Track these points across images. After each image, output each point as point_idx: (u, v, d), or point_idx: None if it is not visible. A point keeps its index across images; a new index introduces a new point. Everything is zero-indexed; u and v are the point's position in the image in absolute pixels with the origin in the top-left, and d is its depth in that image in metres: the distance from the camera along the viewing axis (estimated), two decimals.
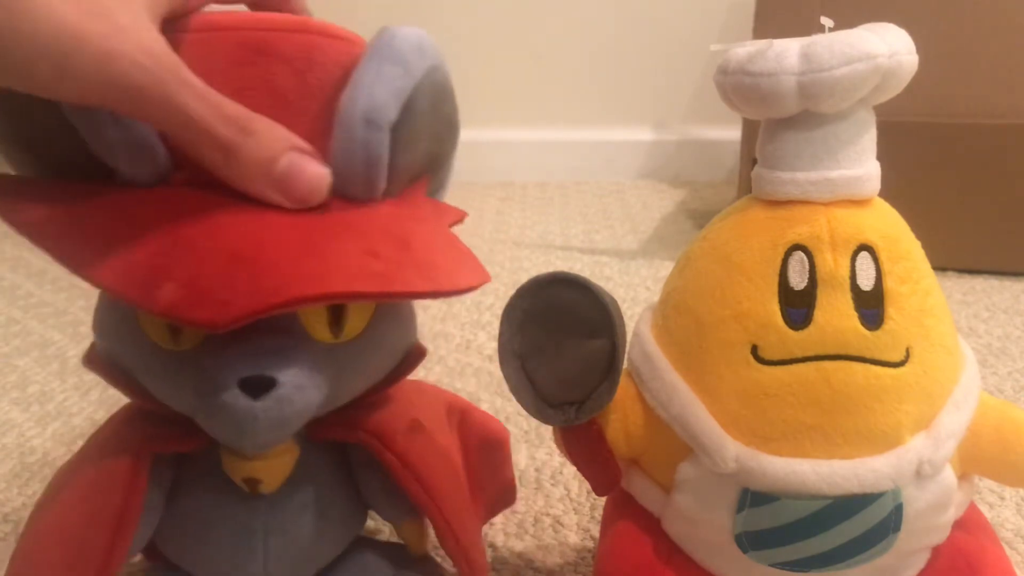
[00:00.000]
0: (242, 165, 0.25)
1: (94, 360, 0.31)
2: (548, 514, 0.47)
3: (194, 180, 0.27)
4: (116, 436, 0.32)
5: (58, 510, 0.31)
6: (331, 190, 0.28)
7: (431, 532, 0.35)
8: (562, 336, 0.30)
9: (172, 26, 0.27)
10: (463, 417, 0.40)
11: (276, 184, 0.26)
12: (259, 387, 0.27)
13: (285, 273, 0.25)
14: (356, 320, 0.30)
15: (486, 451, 0.40)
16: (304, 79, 0.28)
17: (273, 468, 0.31)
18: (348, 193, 0.28)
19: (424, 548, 0.37)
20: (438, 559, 0.39)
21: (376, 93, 0.27)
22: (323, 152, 0.27)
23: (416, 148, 0.29)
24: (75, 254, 0.25)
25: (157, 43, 0.24)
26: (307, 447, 0.32)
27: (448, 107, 0.30)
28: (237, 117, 0.25)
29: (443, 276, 0.28)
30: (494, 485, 0.41)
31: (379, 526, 0.45)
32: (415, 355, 0.34)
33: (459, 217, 0.33)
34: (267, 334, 0.28)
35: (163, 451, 0.31)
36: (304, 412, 0.28)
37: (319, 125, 0.28)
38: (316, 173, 0.26)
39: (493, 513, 0.42)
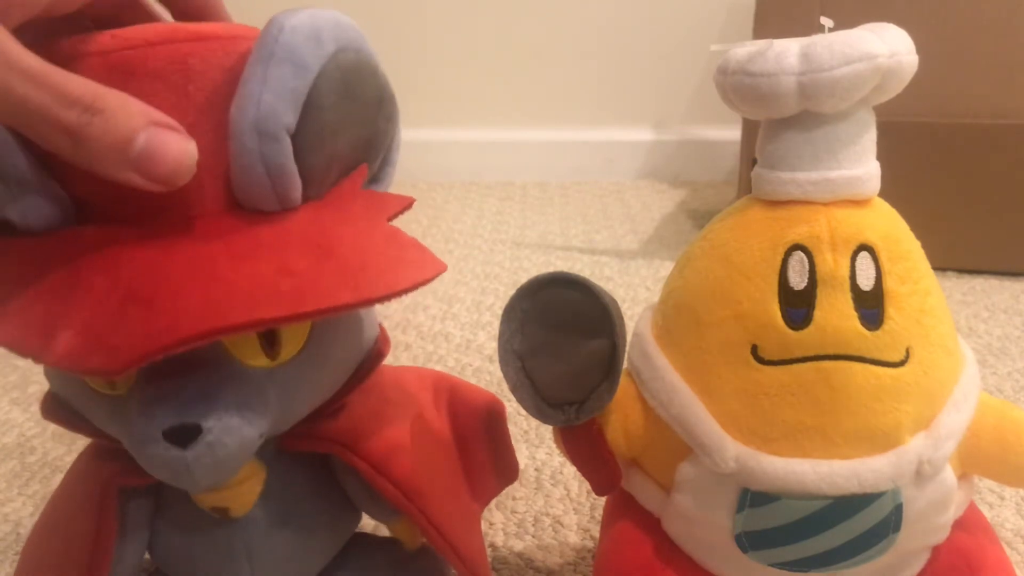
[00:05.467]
0: (93, 148, 0.23)
1: (51, 410, 0.30)
2: (548, 514, 0.47)
3: (103, 217, 0.26)
4: (83, 475, 0.32)
5: (39, 553, 0.31)
6: (242, 207, 0.26)
7: None
8: (562, 336, 0.30)
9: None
10: (452, 395, 0.39)
11: (135, 165, 0.23)
12: (185, 435, 0.25)
13: (180, 309, 0.23)
14: (292, 340, 0.28)
15: (480, 425, 0.39)
16: (184, 92, 0.25)
17: (238, 495, 0.30)
18: (260, 207, 0.26)
19: (419, 541, 0.37)
20: None
21: (265, 100, 0.24)
22: (227, 167, 0.25)
23: (333, 143, 0.27)
24: None
25: None
26: (280, 461, 0.31)
27: (368, 87, 0.27)
28: (82, 96, 0.23)
29: (374, 281, 0.25)
30: (493, 462, 0.39)
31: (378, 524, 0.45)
32: (374, 357, 0.32)
33: (403, 205, 0.30)
34: (192, 377, 0.26)
35: (131, 485, 0.30)
36: (240, 451, 0.27)
37: (217, 138, 0.25)
38: (180, 149, 0.24)
39: (498, 489, 0.41)
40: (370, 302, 0.25)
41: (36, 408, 0.61)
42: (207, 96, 0.26)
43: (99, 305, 0.23)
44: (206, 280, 0.24)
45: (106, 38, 0.26)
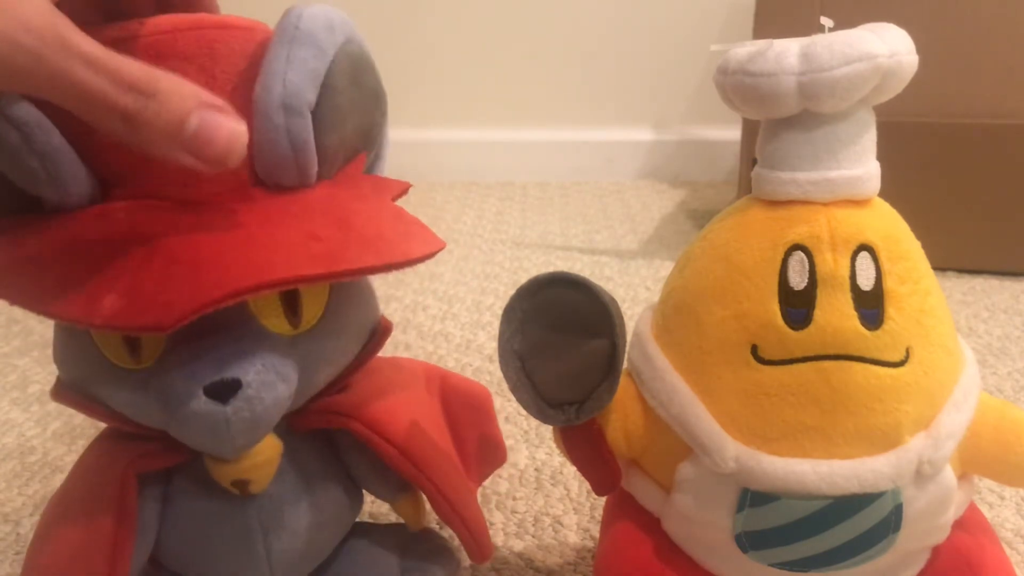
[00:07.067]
0: (147, 131, 0.23)
1: (62, 393, 0.31)
2: (548, 514, 0.47)
3: (131, 194, 0.27)
4: (99, 462, 0.32)
5: (53, 545, 0.31)
6: (264, 182, 0.28)
7: (428, 505, 0.35)
8: (562, 336, 0.30)
9: None
10: (442, 384, 0.40)
11: (187, 146, 0.24)
12: (225, 390, 0.27)
13: (224, 267, 0.25)
14: (312, 308, 0.30)
15: (469, 413, 0.40)
16: (211, 74, 0.27)
17: (259, 467, 0.31)
18: (281, 182, 0.28)
19: (422, 522, 0.38)
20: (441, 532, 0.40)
21: (290, 78, 0.27)
22: (250, 145, 0.26)
23: (343, 126, 0.29)
24: (12, 288, 0.25)
25: (39, 14, 0.22)
26: (291, 439, 0.32)
27: (369, 78, 0.30)
28: (138, 80, 0.23)
29: (392, 248, 0.28)
30: (482, 445, 0.41)
31: (379, 508, 0.45)
32: (381, 332, 0.34)
33: (403, 189, 0.32)
34: (225, 338, 0.27)
35: (148, 470, 0.31)
36: (275, 407, 0.28)
37: (242, 118, 0.27)
38: (231, 130, 0.24)
39: (486, 474, 0.43)
40: (391, 267, 0.27)
41: (36, 408, 0.61)
42: (232, 79, 0.28)
43: (141, 270, 0.25)
44: (244, 243, 0.25)
45: (135, 25, 0.27)
